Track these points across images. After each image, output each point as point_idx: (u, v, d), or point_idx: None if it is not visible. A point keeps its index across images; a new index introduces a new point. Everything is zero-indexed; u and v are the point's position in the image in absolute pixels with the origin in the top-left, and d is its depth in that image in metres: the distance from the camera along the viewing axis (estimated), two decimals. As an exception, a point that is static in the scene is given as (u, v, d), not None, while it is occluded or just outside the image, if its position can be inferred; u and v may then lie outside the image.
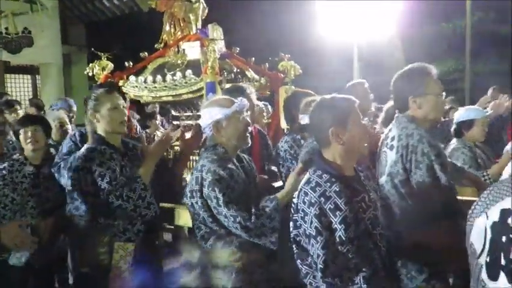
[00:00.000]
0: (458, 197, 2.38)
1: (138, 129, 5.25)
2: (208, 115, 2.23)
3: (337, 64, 10.40)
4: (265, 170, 2.88)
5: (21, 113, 5.70)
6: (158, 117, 5.91)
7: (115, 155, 2.39)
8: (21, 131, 3.02)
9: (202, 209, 2.10)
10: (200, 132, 2.53)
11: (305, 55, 7.34)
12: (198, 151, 3.12)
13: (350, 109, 1.78)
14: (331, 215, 1.64)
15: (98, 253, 2.33)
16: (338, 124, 1.74)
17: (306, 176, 1.80)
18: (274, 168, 2.90)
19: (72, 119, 4.62)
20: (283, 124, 3.71)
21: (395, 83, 2.32)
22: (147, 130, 5.71)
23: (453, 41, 12.82)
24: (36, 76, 11.22)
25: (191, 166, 3.37)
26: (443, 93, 2.29)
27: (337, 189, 1.67)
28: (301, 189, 1.75)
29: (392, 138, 2.23)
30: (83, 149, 2.47)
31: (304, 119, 2.84)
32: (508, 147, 3.25)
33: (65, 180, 2.85)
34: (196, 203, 2.11)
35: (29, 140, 2.98)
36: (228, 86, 3.27)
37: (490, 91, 5.10)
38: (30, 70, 11.22)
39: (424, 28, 12.90)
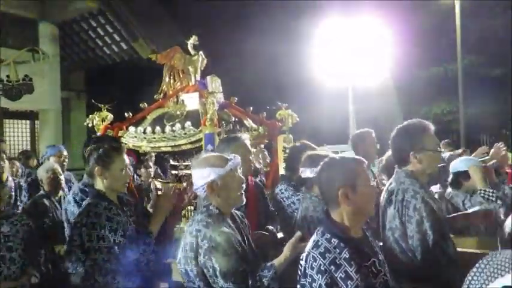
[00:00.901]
0: (460, 249, 2.36)
1: (134, 177, 5.25)
2: (200, 175, 2.12)
3: (333, 107, 10.57)
4: (261, 223, 2.84)
5: (6, 161, 5.68)
6: (151, 164, 5.90)
7: (119, 210, 2.41)
8: None
9: (197, 278, 1.99)
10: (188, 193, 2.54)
11: (302, 100, 7.50)
12: (195, 201, 3.11)
13: (359, 170, 1.78)
14: (343, 284, 1.61)
15: None
16: (347, 185, 1.74)
17: (314, 238, 1.77)
18: (271, 227, 2.86)
19: (64, 164, 4.62)
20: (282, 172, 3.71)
21: (394, 139, 2.37)
22: (141, 178, 5.72)
23: (445, 83, 13.11)
24: (35, 121, 11.27)
25: (189, 216, 3.35)
26: (440, 148, 2.35)
27: (347, 256, 1.64)
28: (309, 253, 1.71)
29: (391, 193, 2.28)
30: (85, 205, 2.44)
31: (305, 172, 2.83)
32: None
33: None
34: (191, 270, 2.00)
35: None
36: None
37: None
38: (29, 115, 11.29)
39: (416, 72, 13.20)
